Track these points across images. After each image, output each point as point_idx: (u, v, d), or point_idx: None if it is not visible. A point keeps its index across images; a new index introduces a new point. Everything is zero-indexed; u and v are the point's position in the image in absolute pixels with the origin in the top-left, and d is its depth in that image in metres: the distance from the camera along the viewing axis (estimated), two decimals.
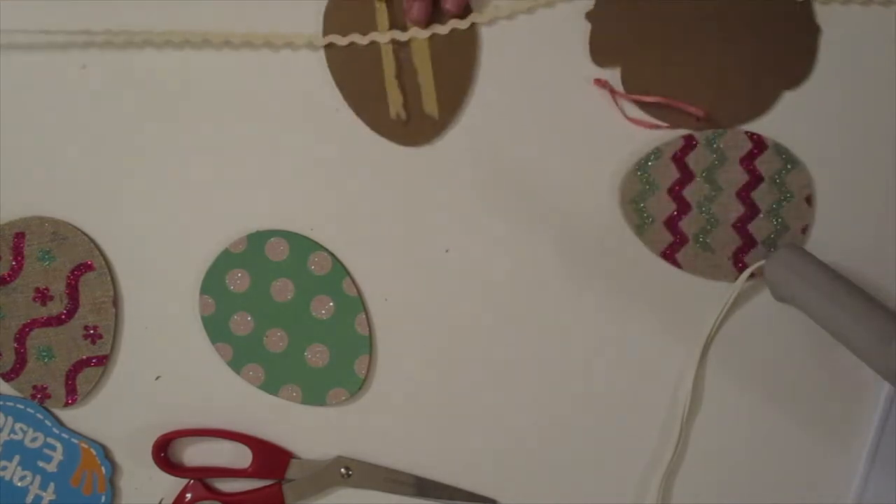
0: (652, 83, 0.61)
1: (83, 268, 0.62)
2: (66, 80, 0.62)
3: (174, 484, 0.63)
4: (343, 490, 0.63)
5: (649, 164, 0.61)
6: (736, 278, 0.61)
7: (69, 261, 0.62)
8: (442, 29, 0.61)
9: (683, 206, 0.61)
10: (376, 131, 0.62)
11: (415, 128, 0.62)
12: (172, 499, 0.63)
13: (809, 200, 0.61)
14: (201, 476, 0.63)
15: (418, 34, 0.61)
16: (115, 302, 0.63)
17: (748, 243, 0.62)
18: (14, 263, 0.63)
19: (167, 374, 0.63)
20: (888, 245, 0.62)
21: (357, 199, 0.62)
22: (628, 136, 0.62)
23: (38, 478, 0.63)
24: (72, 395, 0.63)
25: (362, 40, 0.61)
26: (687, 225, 0.62)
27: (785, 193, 0.61)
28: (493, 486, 0.63)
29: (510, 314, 0.63)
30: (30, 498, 0.63)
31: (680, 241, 0.62)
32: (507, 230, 0.62)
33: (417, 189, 0.62)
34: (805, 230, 0.62)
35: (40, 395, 0.63)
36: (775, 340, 0.62)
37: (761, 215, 0.61)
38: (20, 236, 0.62)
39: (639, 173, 0.61)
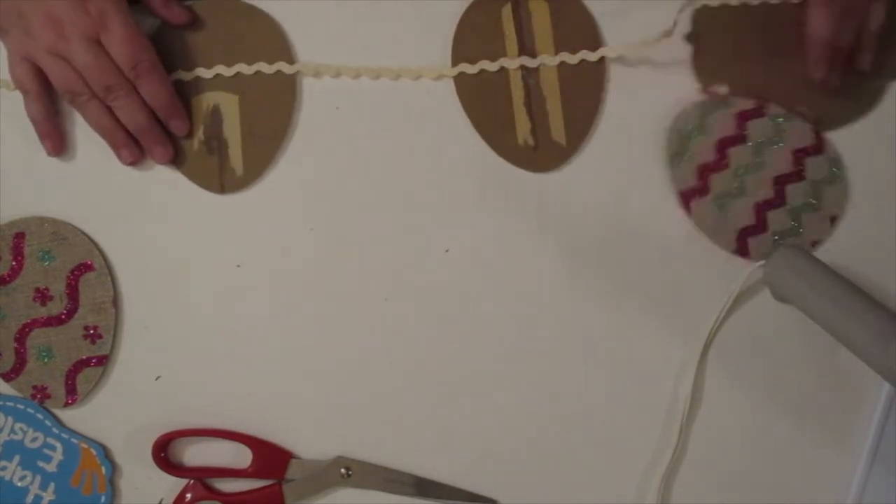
0: (758, 93, 0.62)
1: (83, 268, 0.62)
2: None
3: (174, 484, 0.63)
4: (343, 490, 0.63)
5: (715, 110, 0.61)
6: (731, 251, 0.61)
7: (69, 261, 0.62)
8: (571, 58, 0.61)
9: (722, 162, 0.61)
10: (503, 157, 0.62)
11: (542, 154, 0.62)
12: (172, 499, 0.63)
13: (833, 220, 0.61)
14: (201, 476, 0.63)
15: (547, 62, 0.61)
16: (115, 302, 0.63)
17: (759, 228, 0.61)
18: (14, 263, 0.63)
19: (167, 374, 0.63)
20: (890, 247, 0.62)
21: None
22: None
23: (38, 478, 0.63)
24: (72, 395, 0.63)
25: (492, 66, 0.61)
26: (716, 180, 0.61)
27: (815, 202, 0.61)
28: (493, 486, 0.63)
29: (510, 314, 0.63)
30: (30, 498, 0.63)
31: (702, 190, 0.61)
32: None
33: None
34: (816, 244, 0.62)
35: (40, 395, 0.63)
36: (775, 340, 0.62)
37: (783, 209, 0.61)
38: (20, 236, 0.62)
39: (700, 110, 0.61)
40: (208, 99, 0.62)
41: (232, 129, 0.62)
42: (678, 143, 0.61)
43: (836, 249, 0.62)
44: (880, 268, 0.62)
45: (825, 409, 0.62)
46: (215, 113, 0.62)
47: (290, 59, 0.62)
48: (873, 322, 0.52)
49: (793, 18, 0.61)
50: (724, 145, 0.61)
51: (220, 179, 0.62)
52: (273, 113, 0.62)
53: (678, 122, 0.61)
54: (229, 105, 0.62)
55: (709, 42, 0.62)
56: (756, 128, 0.61)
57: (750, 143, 0.61)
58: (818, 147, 0.61)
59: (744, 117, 0.61)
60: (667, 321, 0.62)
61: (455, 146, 0.63)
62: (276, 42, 0.63)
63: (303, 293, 0.63)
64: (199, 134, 0.62)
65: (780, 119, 0.61)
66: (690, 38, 0.61)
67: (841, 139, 0.62)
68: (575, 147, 0.62)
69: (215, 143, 0.62)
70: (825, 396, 0.62)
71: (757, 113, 0.61)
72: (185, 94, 0.62)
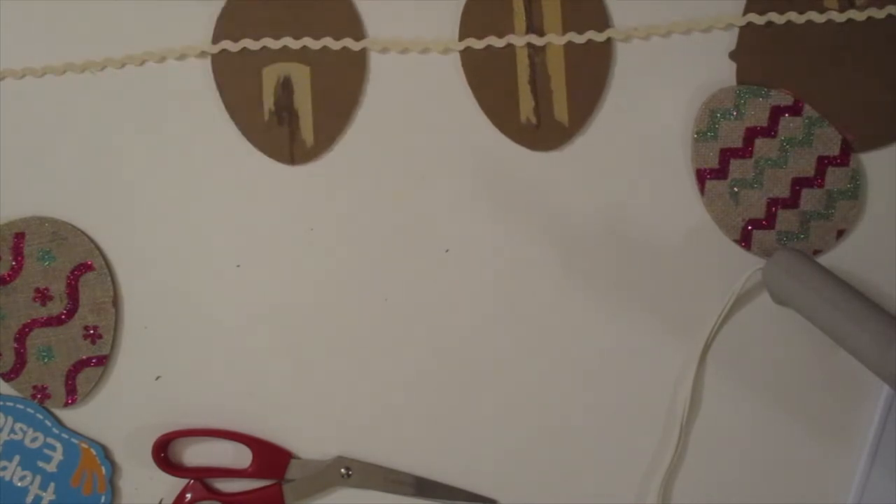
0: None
1: (83, 268, 0.62)
2: (68, 82, 0.62)
3: (174, 484, 0.63)
4: (343, 490, 0.63)
5: (755, 98, 0.61)
6: (734, 239, 0.61)
7: (69, 261, 0.62)
8: (578, 38, 0.61)
9: (746, 151, 0.61)
10: (505, 134, 0.62)
11: (544, 133, 0.62)
12: (172, 499, 0.63)
13: (840, 234, 0.61)
14: (201, 476, 0.63)
15: (554, 40, 0.61)
16: (115, 302, 0.63)
17: (766, 223, 0.61)
18: (14, 263, 0.63)
19: (167, 374, 0.63)
20: (890, 248, 0.62)
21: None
22: None
23: (38, 478, 0.63)
24: (72, 395, 0.63)
25: (498, 43, 0.61)
26: (735, 167, 0.61)
27: (826, 211, 0.61)
28: (493, 486, 0.63)
29: (510, 314, 0.63)
30: (30, 498, 0.63)
31: (720, 173, 0.61)
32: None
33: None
34: (817, 253, 0.61)
35: (40, 395, 0.63)
36: (775, 341, 0.62)
37: (794, 211, 0.61)
38: (20, 236, 0.62)
39: (738, 93, 0.61)
40: (279, 70, 0.62)
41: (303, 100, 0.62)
42: (708, 122, 0.61)
43: (835, 262, 0.61)
44: (878, 290, 0.62)
45: (825, 409, 0.63)
46: (286, 84, 0.62)
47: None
48: (873, 326, 0.52)
49: (836, 36, 0.61)
50: (753, 133, 0.61)
51: (291, 150, 0.62)
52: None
53: (711, 102, 0.61)
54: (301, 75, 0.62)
55: (753, 60, 0.61)
56: (788, 124, 0.61)
57: (778, 139, 0.61)
58: (844, 157, 0.61)
59: (780, 111, 0.61)
60: (667, 321, 0.62)
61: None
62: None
63: (302, 293, 0.63)
64: (270, 105, 0.62)
65: (814, 122, 0.61)
66: (734, 55, 0.61)
67: (870, 159, 0.61)
68: (577, 127, 0.62)
69: (286, 114, 0.62)
70: (825, 396, 0.62)
71: (793, 110, 0.61)
72: (255, 63, 0.61)
